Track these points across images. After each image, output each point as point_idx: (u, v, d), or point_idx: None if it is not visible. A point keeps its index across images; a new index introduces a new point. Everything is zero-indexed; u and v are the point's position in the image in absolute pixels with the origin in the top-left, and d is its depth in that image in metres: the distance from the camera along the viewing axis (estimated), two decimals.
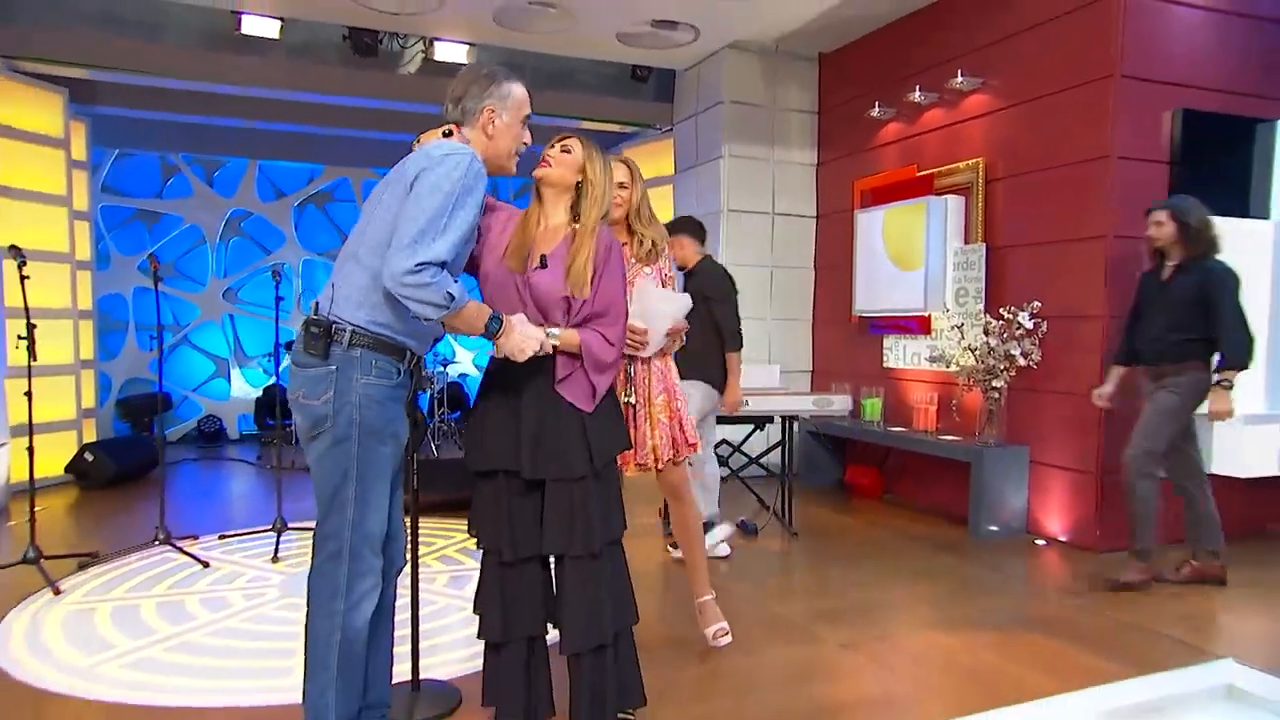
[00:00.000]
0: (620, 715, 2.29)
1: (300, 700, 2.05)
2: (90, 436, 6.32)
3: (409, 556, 2.44)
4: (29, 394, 3.68)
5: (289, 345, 6.45)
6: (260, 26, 5.60)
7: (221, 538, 4.35)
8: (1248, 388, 4.53)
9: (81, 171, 6.46)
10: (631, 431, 2.76)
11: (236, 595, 3.45)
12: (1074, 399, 4.54)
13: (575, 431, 2.16)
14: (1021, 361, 4.57)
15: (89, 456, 5.74)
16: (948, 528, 4.90)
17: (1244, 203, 4.64)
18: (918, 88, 5.43)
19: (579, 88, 6.77)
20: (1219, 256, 3.77)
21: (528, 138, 2.16)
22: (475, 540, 2.26)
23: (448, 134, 2.05)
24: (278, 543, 4.08)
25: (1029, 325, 4.54)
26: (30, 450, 3.72)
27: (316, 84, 6.18)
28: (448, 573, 3.85)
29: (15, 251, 3.71)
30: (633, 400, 2.81)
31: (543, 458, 2.14)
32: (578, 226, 2.18)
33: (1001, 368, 4.62)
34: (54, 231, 5.86)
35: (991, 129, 5.06)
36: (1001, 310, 4.69)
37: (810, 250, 6.65)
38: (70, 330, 6.01)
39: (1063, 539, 4.62)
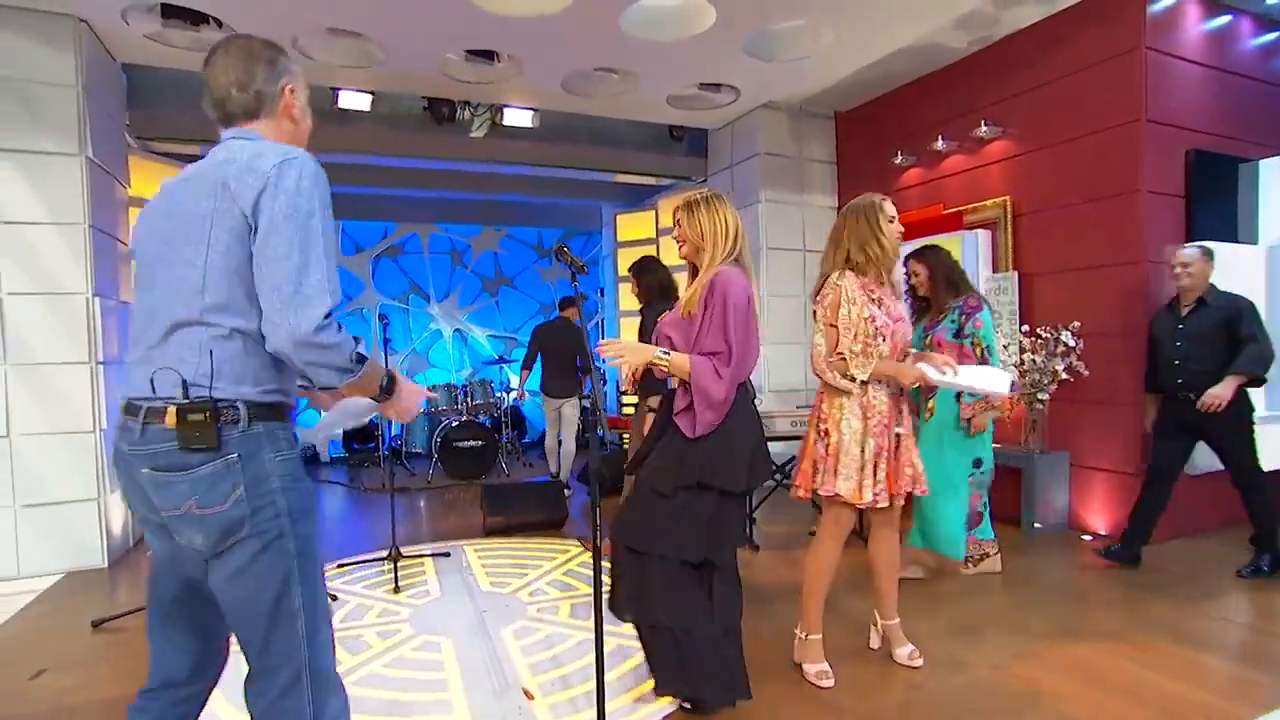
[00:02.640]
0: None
1: None
2: None
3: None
4: None
5: None
6: (355, 101, 5.11)
7: (339, 566, 3.75)
8: (1256, 392, 4.08)
9: None
10: (894, 463, 2.35)
11: (372, 634, 2.86)
12: (1114, 408, 4.05)
13: (674, 453, 2.07)
14: (1064, 376, 4.07)
15: None
16: (997, 526, 4.35)
17: (1234, 231, 4.25)
18: (940, 137, 4.97)
19: (625, 146, 6.28)
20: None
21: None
22: None
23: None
24: (396, 573, 3.49)
25: (1071, 342, 4.05)
26: None
27: (398, 149, 5.66)
28: (566, 599, 3.29)
29: None
30: (901, 431, 2.38)
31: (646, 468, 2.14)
32: (696, 280, 2.15)
33: (1046, 382, 4.12)
34: None
35: (1015, 171, 4.59)
36: (1039, 330, 4.21)
37: None
38: None
39: (1103, 533, 4.11)
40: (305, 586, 1.29)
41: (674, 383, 2.12)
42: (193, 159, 4.99)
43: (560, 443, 5.65)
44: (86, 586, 3.57)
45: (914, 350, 2.51)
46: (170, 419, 1.22)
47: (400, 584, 3.40)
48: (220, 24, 4.08)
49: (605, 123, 6.09)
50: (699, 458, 2.02)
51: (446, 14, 3.95)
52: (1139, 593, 3.20)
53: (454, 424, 6.39)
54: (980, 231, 4.67)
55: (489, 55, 4.66)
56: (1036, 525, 4.18)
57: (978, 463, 3.38)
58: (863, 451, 2.31)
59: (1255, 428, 3.37)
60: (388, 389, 1.38)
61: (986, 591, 3.29)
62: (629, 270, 4.25)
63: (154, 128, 4.87)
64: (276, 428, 1.30)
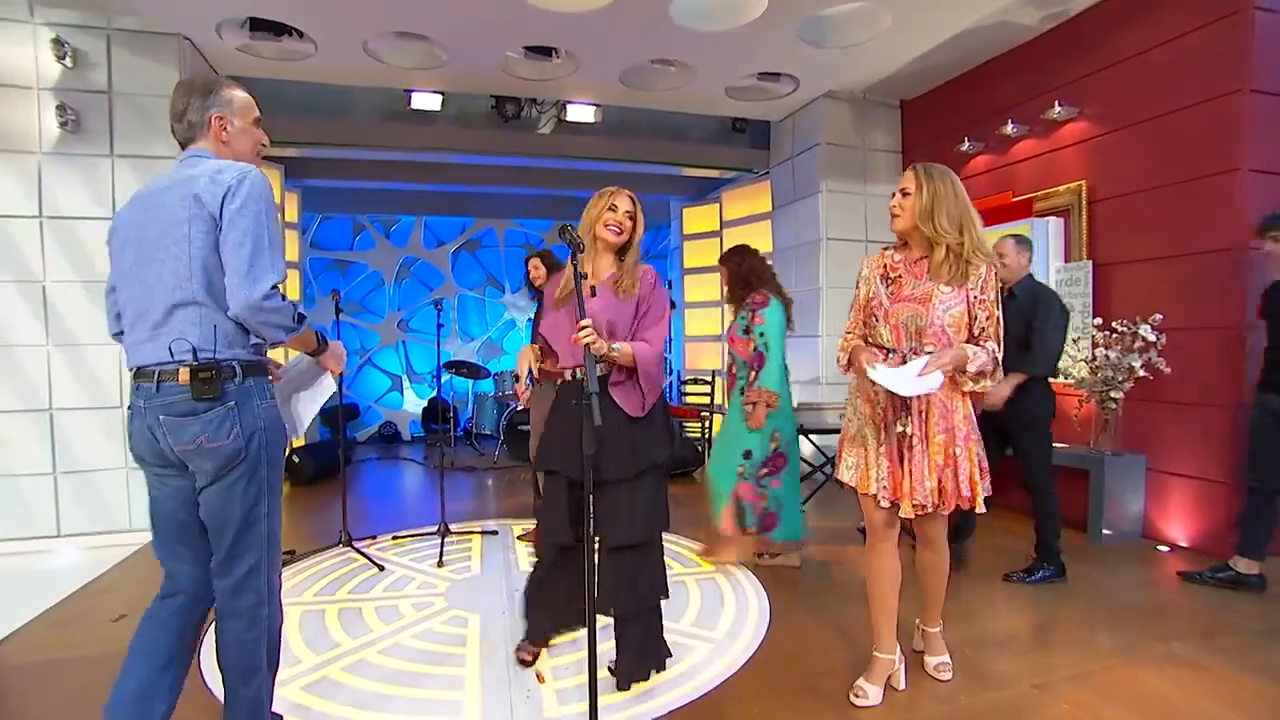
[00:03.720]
0: None
1: None
2: (299, 442, 6.05)
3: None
4: None
5: (448, 365, 6.06)
6: (426, 101, 5.20)
7: (394, 539, 3.85)
8: None
9: (292, 230, 6.25)
10: (904, 464, 2.04)
11: (407, 605, 2.89)
12: (1201, 410, 3.56)
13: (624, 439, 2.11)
14: (1142, 373, 3.62)
15: (296, 458, 5.44)
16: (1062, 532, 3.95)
17: None
18: (1010, 121, 4.53)
19: (688, 140, 6.13)
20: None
21: (264, 138, 1.82)
22: None
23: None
24: (442, 547, 3.54)
25: (1151, 337, 3.59)
26: None
27: (469, 146, 5.72)
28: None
29: None
30: (908, 430, 2.03)
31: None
32: (624, 263, 2.19)
33: (1120, 379, 3.68)
34: None
35: (1092, 153, 4.12)
36: (1115, 324, 3.76)
37: None
38: (283, 355, 5.74)
39: (1184, 545, 3.64)
40: (271, 502, 1.66)
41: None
42: (286, 160, 5.29)
43: None
44: None
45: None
46: (184, 376, 1.55)
47: (445, 559, 3.44)
48: (302, 35, 4.23)
49: (668, 117, 5.96)
50: (642, 442, 2.13)
51: (499, 12, 3.92)
52: (1226, 615, 2.77)
53: (519, 408, 6.46)
54: (1051, 219, 4.23)
55: (547, 52, 4.63)
56: (1105, 532, 3.75)
57: (746, 454, 3.23)
58: (866, 441, 2.09)
59: (1049, 429, 3.22)
60: (321, 348, 1.78)
61: (1046, 601, 2.96)
62: (537, 255, 3.96)
63: None
64: (263, 382, 1.65)
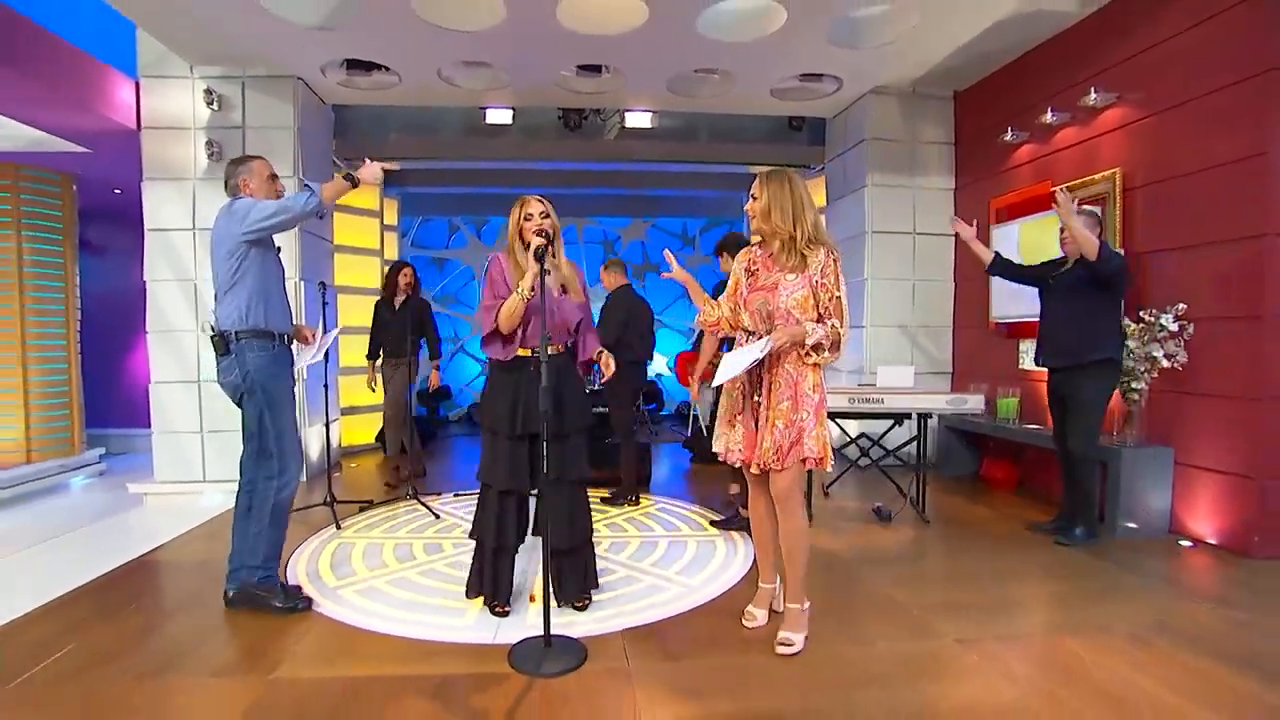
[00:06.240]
0: None
1: (455, 639, 2.36)
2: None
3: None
4: (326, 386, 4.04)
5: None
6: (499, 116, 5.86)
7: (456, 496, 4.53)
8: None
9: (391, 233, 7.19)
10: (752, 431, 2.35)
11: (449, 544, 3.53)
12: (1231, 402, 3.48)
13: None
14: (1165, 364, 3.58)
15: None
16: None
17: None
18: (1049, 109, 4.49)
19: (745, 139, 6.43)
20: None
21: (280, 186, 2.79)
22: None
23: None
24: None
25: (1173, 328, 3.55)
26: (327, 427, 4.11)
27: (540, 154, 6.35)
28: (609, 538, 3.70)
29: (321, 286, 4.10)
30: (761, 400, 2.32)
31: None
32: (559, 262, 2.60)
33: (1142, 370, 3.65)
34: (369, 273, 6.54)
35: (1129, 140, 4.04)
36: (1141, 313, 3.72)
37: (949, 264, 5.78)
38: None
39: (1212, 541, 3.56)
40: (273, 415, 2.64)
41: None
42: (389, 172, 6.29)
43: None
44: None
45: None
46: (214, 341, 2.64)
47: None
48: (387, 69, 5.00)
49: (724, 119, 6.28)
50: (584, 406, 2.66)
51: (543, 38, 4.45)
52: (1208, 606, 2.76)
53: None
54: (1085, 208, 4.17)
55: (596, 68, 5.13)
56: (1130, 525, 3.72)
57: None
58: (732, 415, 2.40)
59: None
60: (350, 179, 2.61)
61: (1022, 578, 3.10)
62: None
63: (353, 150, 6.03)
64: (254, 341, 2.61)
